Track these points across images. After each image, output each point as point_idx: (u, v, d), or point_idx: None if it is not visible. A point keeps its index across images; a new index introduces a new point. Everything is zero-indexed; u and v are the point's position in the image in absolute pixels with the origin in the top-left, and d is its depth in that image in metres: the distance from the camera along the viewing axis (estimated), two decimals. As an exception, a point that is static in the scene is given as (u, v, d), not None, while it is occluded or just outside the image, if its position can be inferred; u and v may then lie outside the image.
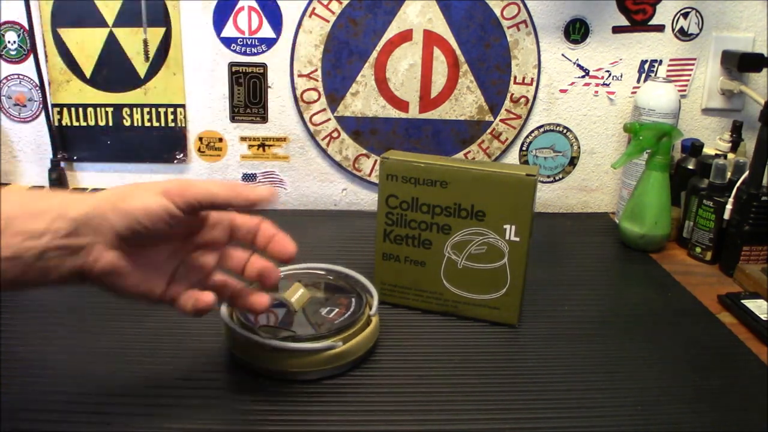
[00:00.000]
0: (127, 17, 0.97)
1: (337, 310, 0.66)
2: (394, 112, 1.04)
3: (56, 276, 0.46)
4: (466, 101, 1.04)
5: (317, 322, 0.64)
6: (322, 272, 0.74)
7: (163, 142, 1.04)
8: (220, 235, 0.55)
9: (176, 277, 0.53)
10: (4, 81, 1.00)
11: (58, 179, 1.01)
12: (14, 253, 0.43)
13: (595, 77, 1.05)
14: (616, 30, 1.03)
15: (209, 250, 0.55)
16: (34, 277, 0.45)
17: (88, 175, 1.05)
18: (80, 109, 1.01)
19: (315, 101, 1.03)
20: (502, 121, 1.06)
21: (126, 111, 1.02)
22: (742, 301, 0.78)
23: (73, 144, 1.03)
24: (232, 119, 1.04)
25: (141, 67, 1.00)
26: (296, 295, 0.67)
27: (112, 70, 1.00)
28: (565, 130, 1.08)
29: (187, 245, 0.54)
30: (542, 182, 1.11)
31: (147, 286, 0.51)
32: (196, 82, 1.01)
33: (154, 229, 0.48)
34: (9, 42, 0.98)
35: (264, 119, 1.04)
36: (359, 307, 0.67)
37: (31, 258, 0.44)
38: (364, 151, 1.06)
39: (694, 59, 1.05)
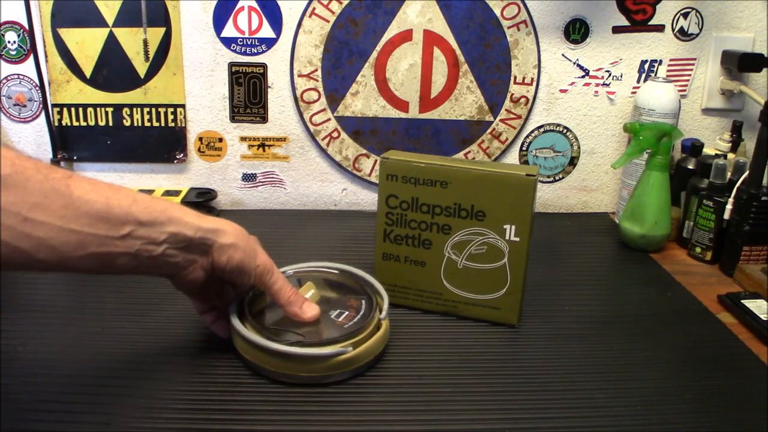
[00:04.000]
0: (127, 17, 0.97)
1: (347, 313, 0.65)
2: (394, 112, 1.04)
3: (157, 272, 0.56)
4: (466, 101, 1.04)
5: (327, 326, 0.63)
6: (335, 271, 0.74)
7: (163, 142, 1.04)
8: None
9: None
10: (4, 81, 1.00)
11: (58, 179, 1.01)
12: (135, 253, 0.52)
13: (595, 77, 1.05)
14: (616, 30, 1.03)
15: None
16: (144, 270, 0.54)
17: (88, 175, 1.05)
18: (80, 109, 1.01)
19: (315, 101, 1.03)
20: (502, 121, 1.06)
21: (126, 111, 1.02)
22: (742, 301, 0.78)
23: (73, 144, 1.03)
24: (232, 119, 1.04)
25: (141, 67, 1.00)
26: (307, 295, 0.66)
27: (112, 70, 1.00)
28: (565, 130, 1.08)
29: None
30: (542, 182, 1.11)
31: (201, 297, 0.64)
32: (196, 82, 1.01)
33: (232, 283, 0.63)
34: (9, 42, 0.98)
35: (264, 119, 1.04)
36: (369, 311, 0.66)
37: (146, 259, 0.53)
38: (364, 151, 1.06)
39: (694, 59, 1.05)
